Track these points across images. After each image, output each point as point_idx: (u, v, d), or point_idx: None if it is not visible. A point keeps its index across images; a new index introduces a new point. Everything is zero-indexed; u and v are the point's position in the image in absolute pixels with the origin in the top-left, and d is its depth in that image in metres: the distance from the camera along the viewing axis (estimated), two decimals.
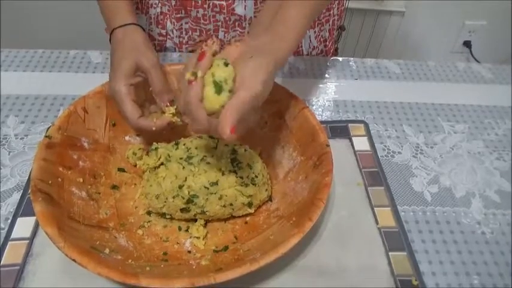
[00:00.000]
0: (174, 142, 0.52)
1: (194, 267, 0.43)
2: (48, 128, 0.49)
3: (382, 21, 1.59)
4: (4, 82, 0.66)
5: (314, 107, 0.65)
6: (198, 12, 0.68)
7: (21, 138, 0.58)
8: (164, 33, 0.74)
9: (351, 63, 0.74)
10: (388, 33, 1.63)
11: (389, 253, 0.48)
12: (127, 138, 0.55)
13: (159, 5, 0.71)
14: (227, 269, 0.39)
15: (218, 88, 0.38)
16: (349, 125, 0.62)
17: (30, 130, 0.59)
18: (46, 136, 0.47)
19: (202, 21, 0.70)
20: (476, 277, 0.47)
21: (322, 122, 0.59)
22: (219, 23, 0.70)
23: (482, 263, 0.48)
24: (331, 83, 0.70)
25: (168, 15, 0.71)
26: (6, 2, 1.48)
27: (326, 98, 0.67)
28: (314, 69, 0.72)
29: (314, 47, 0.77)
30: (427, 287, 0.46)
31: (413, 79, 0.72)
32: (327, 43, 0.80)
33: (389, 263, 0.47)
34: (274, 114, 0.55)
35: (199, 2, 0.67)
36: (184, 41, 0.74)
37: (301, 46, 0.75)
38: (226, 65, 0.39)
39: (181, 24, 0.72)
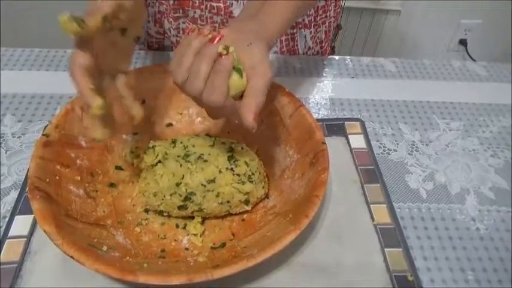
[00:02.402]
0: (171, 140, 0.53)
1: (191, 263, 0.44)
2: (46, 126, 0.50)
3: (379, 20, 1.60)
4: (1, 81, 0.66)
5: (310, 105, 0.66)
6: (195, 12, 0.68)
7: (18, 137, 0.58)
8: (162, 32, 0.74)
9: (347, 61, 0.74)
10: (384, 32, 1.64)
11: (385, 249, 0.48)
12: (124, 136, 0.55)
13: (157, 3, 0.71)
14: (224, 265, 0.39)
15: (240, 73, 0.40)
16: (346, 123, 0.62)
17: (27, 129, 0.59)
18: (43, 134, 0.48)
19: (199, 21, 0.70)
20: (471, 273, 0.47)
21: (318, 120, 0.59)
22: (217, 25, 0.70)
23: (476, 259, 0.49)
24: (327, 81, 0.70)
25: (165, 14, 0.72)
26: (3, 1, 1.48)
27: (322, 96, 0.68)
28: (310, 68, 0.72)
29: (310, 47, 0.77)
30: (422, 282, 0.46)
31: (408, 77, 0.72)
32: (323, 44, 0.80)
33: (385, 259, 0.47)
34: (270, 113, 0.55)
35: (197, 2, 0.67)
36: (181, 41, 0.74)
37: (297, 46, 0.76)
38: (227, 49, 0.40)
39: (179, 24, 0.72)
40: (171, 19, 0.72)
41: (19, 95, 0.64)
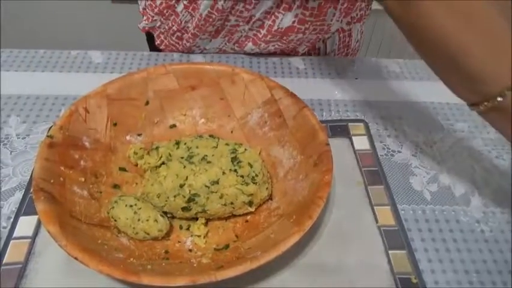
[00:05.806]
0: (175, 141, 0.53)
1: (195, 265, 0.44)
2: (50, 127, 0.50)
3: (383, 20, 1.59)
4: (6, 82, 0.66)
5: (314, 106, 0.65)
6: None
7: (23, 138, 0.58)
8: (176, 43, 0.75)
9: (350, 62, 0.74)
10: (388, 32, 1.63)
11: (389, 251, 0.48)
12: (128, 137, 0.56)
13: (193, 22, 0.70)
14: (228, 266, 0.39)
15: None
16: (349, 124, 0.62)
17: (31, 130, 0.59)
18: (48, 136, 0.48)
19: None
20: (475, 275, 0.47)
21: (322, 121, 0.59)
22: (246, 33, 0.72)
23: (481, 261, 0.48)
24: (331, 82, 0.70)
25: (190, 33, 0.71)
26: (7, 2, 1.49)
27: (326, 97, 0.67)
28: (314, 69, 0.72)
29: (357, 40, 0.82)
30: (427, 285, 0.46)
31: (413, 78, 0.72)
32: (362, 34, 0.84)
33: (389, 262, 0.47)
34: (274, 114, 0.55)
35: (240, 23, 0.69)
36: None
37: (351, 41, 0.80)
38: None
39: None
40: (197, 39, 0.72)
41: (24, 96, 0.64)
